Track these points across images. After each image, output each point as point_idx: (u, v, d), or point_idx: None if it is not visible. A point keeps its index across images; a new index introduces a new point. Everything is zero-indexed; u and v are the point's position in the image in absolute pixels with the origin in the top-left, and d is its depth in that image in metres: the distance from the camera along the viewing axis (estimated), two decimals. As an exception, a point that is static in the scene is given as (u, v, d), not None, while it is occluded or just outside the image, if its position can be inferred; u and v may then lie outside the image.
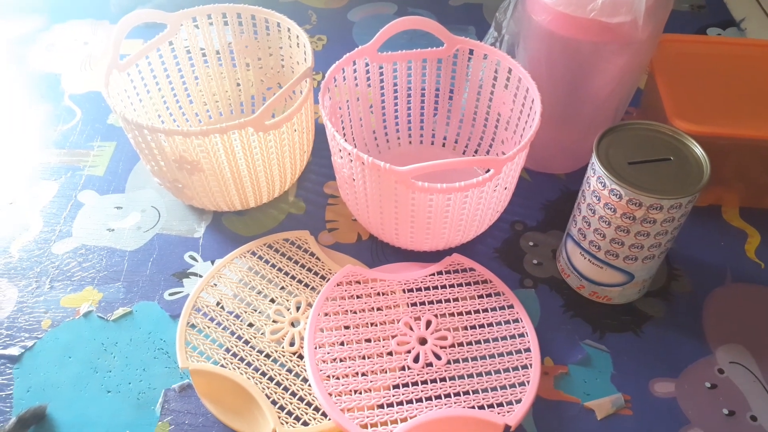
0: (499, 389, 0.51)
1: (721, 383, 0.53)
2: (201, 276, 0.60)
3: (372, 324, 0.54)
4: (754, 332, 0.56)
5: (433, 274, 0.58)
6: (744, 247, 0.63)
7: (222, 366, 0.52)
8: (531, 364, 0.53)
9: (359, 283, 0.57)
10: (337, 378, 0.51)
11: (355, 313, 0.55)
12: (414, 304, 0.56)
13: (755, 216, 0.66)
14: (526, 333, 0.55)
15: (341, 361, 0.52)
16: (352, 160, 0.53)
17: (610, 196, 0.50)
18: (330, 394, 0.50)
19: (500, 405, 0.50)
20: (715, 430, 0.51)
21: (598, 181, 0.50)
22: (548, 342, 0.55)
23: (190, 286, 0.59)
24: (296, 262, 0.59)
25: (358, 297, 0.56)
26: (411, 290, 0.57)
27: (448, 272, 0.59)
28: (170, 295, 0.59)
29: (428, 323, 0.55)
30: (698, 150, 0.51)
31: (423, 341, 0.54)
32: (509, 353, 0.54)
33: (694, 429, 0.51)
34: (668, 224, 0.50)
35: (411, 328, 0.55)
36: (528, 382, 0.52)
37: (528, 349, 0.54)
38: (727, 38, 0.87)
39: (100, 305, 0.58)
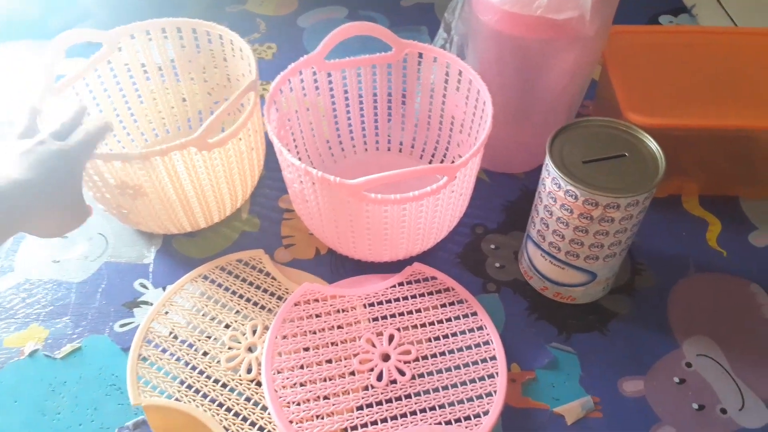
0: (465, 401, 0.50)
1: (689, 377, 0.52)
2: (152, 304, 0.57)
3: (333, 343, 0.53)
4: (720, 323, 0.56)
5: (394, 286, 0.57)
6: (705, 236, 0.63)
7: (177, 399, 0.49)
8: (497, 373, 0.51)
9: (317, 301, 0.55)
10: (298, 404, 0.49)
11: (314, 333, 0.53)
12: (376, 319, 0.55)
13: (715, 204, 0.65)
14: (491, 340, 0.53)
15: (302, 385, 0.50)
16: (301, 175, 0.51)
17: (565, 197, 0.49)
18: (291, 422, 0.48)
19: (467, 418, 0.49)
20: (686, 426, 0.50)
21: (553, 182, 0.49)
22: (514, 347, 0.54)
23: (142, 316, 0.57)
24: (251, 284, 0.57)
25: (317, 316, 0.54)
26: (372, 304, 0.55)
27: (409, 282, 0.57)
28: (121, 326, 0.56)
29: (391, 338, 0.53)
30: (653, 144, 0.50)
31: (386, 357, 0.52)
32: (474, 363, 0.52)
33: (665, 427, 0.50)
34: (627, 222, 0.49)
35: (373, 345, 0.53)
36: (495, 391, 0.50)
37: (493, 357, 0.52)
38: (678, 27, 0.87)
39: (46, 343, 0.55)
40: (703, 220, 0.64)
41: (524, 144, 0.66)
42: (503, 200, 0.66)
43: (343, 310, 0.55)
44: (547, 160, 0.49)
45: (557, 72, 0.58)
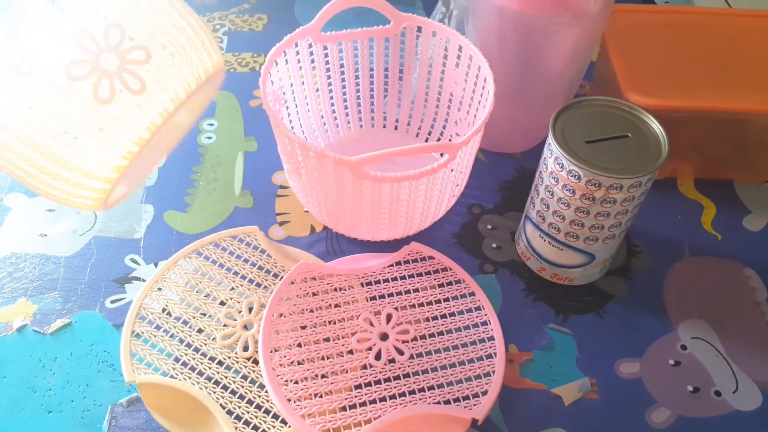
0: (464, 381, 0.50)
1: (684, 360, 0.53)
2: (144, 280, 0.56)
3: (330, 322, 0.52)
4: (714, 306, 0.56)
5: (392, 265, 0.56)
6: (700, 219, 0.63)
7: (171, 377, 0.49)
8: (495, 353, 0.51)
9: (315, 279, 0.54)
10: (296, 382, 0.48)
11: (311, 311, 0.52)
12: (373, 298, 0.54)
13: (710, 187, 0.65)
14: (489, 321, 0.53)
15: (299, 363, 0.49)
16: (298, 150, 0.50)
17: (568, 178, 0.48)
18: (289, 400, 0.47)
19: (466, 398, 0.49)
20: (681, 407, 0.50)
21: (555, 162, 0.49)
22: (511, 328, 0.54)
23: (133, 292, 0.56)
24: (246, 261, 0.56)
25: (314, 294, 0.53)
26: (369, 283, 0.55)
27: (406, 262, 0.57)
28: (112, 302, 0.55)
29: (389, 317, 0.53)
30: (655, 125, 0.50)
31: (384, 336, 0.52)
32: (473, 343, 0.52)
33: (660, 408, 0.50)
34: (628, 203, 0.49)
35: (371, 324, 0.52)
36: (493, 372, 0.50)
37: (491, 338, 0.52)
38: (677, 7, 0.86)
39: (35, 318, 0.54)
40: (698, 204, 0.64)
41: (522, 124, 0.65)
42: (500, 180, 0.65)
43: (341, 289, 0.54)
44: (550, 140, 0.49)
45: (559, 49, 0.57)
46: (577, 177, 0.47)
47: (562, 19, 0.54)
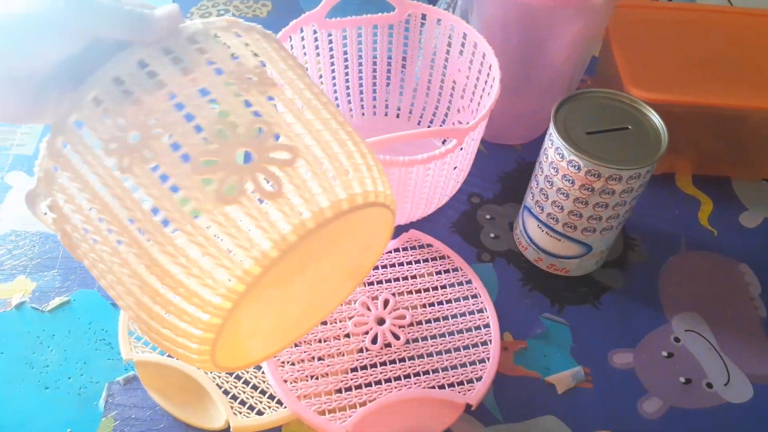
0: (459, 367, 0.50)
1: (677, 352, 0.53)
2: (144, 260, 0.56)
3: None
4: (708, 300, 0.57)
5: (390, 252, 0.57)
6: (697, 215, 0.63)
7: (168, 356, 0.49)
8: (490, 340, 0.52)
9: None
10: (292, 364, 0.49)
11: (309, 294, 0.53)
12: (371, 283, 0.54)
13: (707, 183, 0.66)
14: (485, 308, 0.54)
15: (296, 345, 0.50)
16: None
17: (568, 168, 0.48)
18: (285, 381, 0.48)
19: (461, 384, 0.49)
20: (673, 398, 0.51)
21: (556, 152, 0.49)
22: (507, 317, 0.54)
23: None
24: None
25: (311, 278, 0.54)
26: (367, 269, 0.55)
27: (405, 249, 0.57)
28: (111, 281, 0.55)
29: (386, 302, 0.53)
30: (656, 118, 0.50)
31: (381, 321, 0.52)
32: (468, 330, 0.52)
33: (652, 399, 0.51)
34: (627, 195, 0.49)
35: (368, 308, 0.53)
36: (488, 358, 0.51)
37: (487, 325, 0.53)
38: (681, 4, 0.86)
39: (33, 295, 0.54)
40: (695, 199, 0.65)
41: (523, 115, 0.66)
42: (500, 171, 0.66)
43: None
44: (551, 130, 0.49)
45: (562, 41, 0.57)
46: (576, 167, 0.48)
47: (566, 11, 0.54)
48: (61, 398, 0.49)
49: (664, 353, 0.53)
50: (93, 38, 0.32)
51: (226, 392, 0.47)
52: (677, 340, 0.54)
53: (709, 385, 0.52)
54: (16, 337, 0.52)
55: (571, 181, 0.49)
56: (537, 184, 0.53)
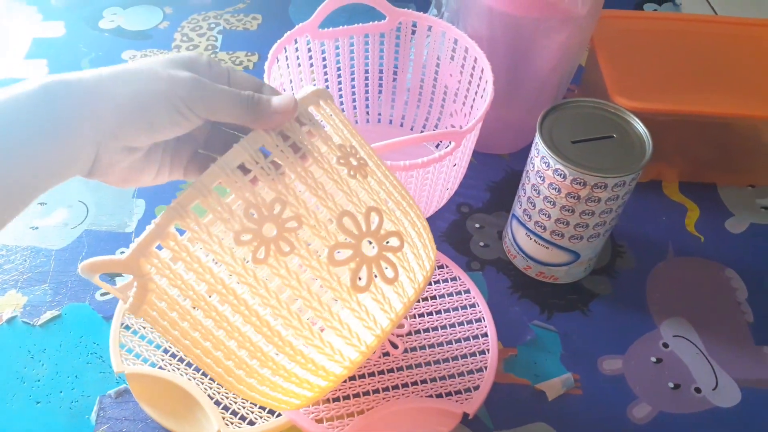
0: (456, 376, 0.50)
1: (666, 357, 0.54)
2: (135, 273, 0.57)
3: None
4: (696, 305, 0.57)
5: (383, 261, 0.57)
6: (684, 221, 0.64)
7: (160, 368, 0.49)
8: (488, 350, 0.52)
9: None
10: (284, 374, 0.49)
11: (300, 305, 0.53)
12: (363, 293, 0.55)
13: (694, 190, 0.66)
14: (483, 318, 0.54)
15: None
16: None
17: (554, 176, 0.49)
18: (277, 392, 0.48)
19: (458, 392, 0.49)
20: (662, 403, 0.51)
21: (542, 161, 0.50)
22: (497, 324, 0.55)
23: (124, 285, 0.56)
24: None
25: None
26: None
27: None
28: (102, 295, 0.55)
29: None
30: (640, 127, 0.51)
31: (376, 330, 0.53)
32: (466, 339, 0.53)
33: (642, 404, 0.51)
34: (612, 202, 0.50)
35: (359, 318, 0.53)
36: (485, 367, 0.51)
37: (485, 334, 0.53)
38: (665, 14, 0.88)
39: (24, 310, 0.54)
40: (682, 206, 0.65)
41: (511, 125, 0.66)
42: (488, 180, 0.66)
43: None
44: (537, 139, 0.50)
45: (547, 52, 0.58)
46: (562, 176, 0.48)
47: (551, 22, 0.55)
48: (52, 412, 0.49)
49: (653, 359, 0.54)
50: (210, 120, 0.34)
51: (217, 403, 0.48)
52: (666, 345, 0.55)
53: (698, 390, 0.52)
54: (8, 352, 0.52)
55: (557, 190, 0.49)
56: (524, 193, 0.54)
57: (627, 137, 0.51)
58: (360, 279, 0.35)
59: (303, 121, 0.36)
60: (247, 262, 0.34)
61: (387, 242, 0.36)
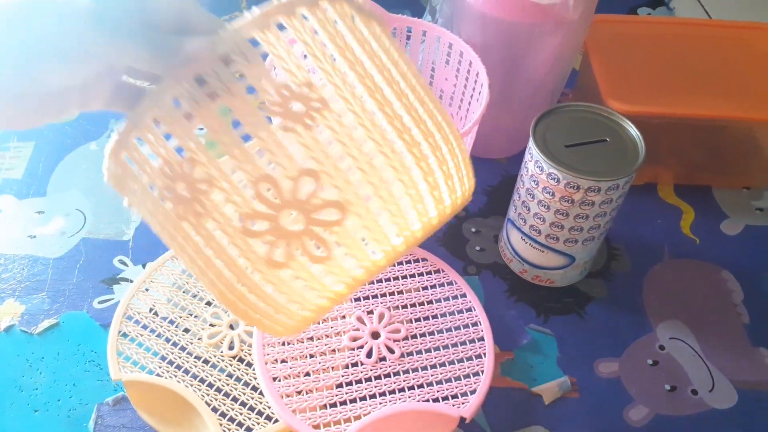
0: (453, 380, 0.50)
1: (662, 359, 0.54)
2: (132, 281, 0.57)
3: (323, 320, 0.53)
4: (692, 307, 0.58)
5: (384, 266, 0.57)
6: (679, 223, 0.64)
7: (158, 375, 0.49)
8: (485, 353, 0.52)
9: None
10: (287, 378, 0.49)
11: (297, 311, 0.53)
12: (367, 297, 0.55)
13: (689, 192, 0.67)
14: (479, 322, 0.54)
15: (291, 360, 0.50)
16: None
17: (548, 180, 0.49)
18: (281, 396, 0.48)
19: (455, 397, 0.49)
20: (658, 406, 0.51)
21: (535, 165, 0.50)
22: (493, 328, 0.54)
23: (121, 293, 0.56)
24: (233, 262, 0.57)
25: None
26: (361, 283, 0.56)
27: (400, 263, 0.57)
28: (100, 303, 0.56)
29: (381, 316, 0.54)
30: (633, 130, 0.51)
31: (376, 335, 0.53)
32: (463, 343, 0.53)
33: (638, 406, 0.51)
34: (606, 206, 0.50)
35: (363, 322, 0.53)
36: (482, 371, 0.51)
37: (481, 338, 0.53)
38: (658, 18, 0.88)
39: (22, 318, 0.54)
40: (677, 208, 0.66)
41: (506, 129, 0.67)
42: (484, 185, 0.67)
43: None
44: (531, 144, 0.50)
45: (540, 56, 0.58)
46: (556, 180, 0.49)
47: (543, 27, 0.55)
48: (50, 421, 0.49)
49: (649, 361, 0.54)
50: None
51: (215, 410, 0.48)
52: (662, 348, 0.55)
53: (694, 392, 0.52)
54: (6, 361, 0.52)
55: (551, 194, 0.50)
56: (519, 197, 0.54)
57: (620, 141, 0.51)
58: (277, 254, 0.31)
59: (233, 58, 0.29)
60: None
61: (320, 217, 0.31)
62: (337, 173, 0.30)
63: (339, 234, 0.31)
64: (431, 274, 0.57)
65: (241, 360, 0.51)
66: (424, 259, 0.58)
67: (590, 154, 0.49)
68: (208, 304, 0.54)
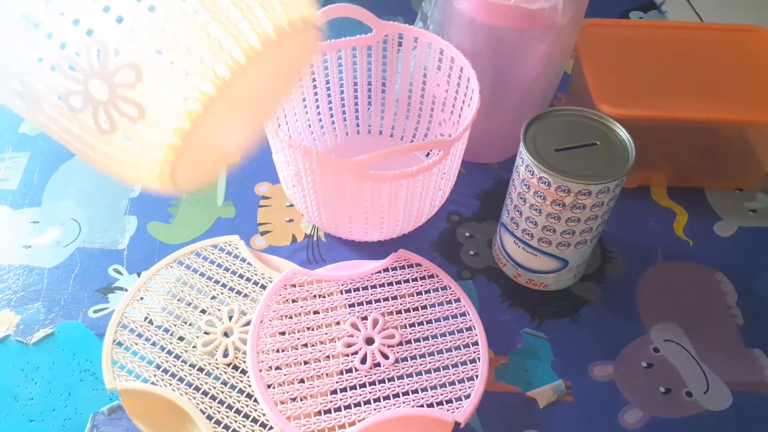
0: (447, 386, 0.51)
1: (656, 362, 0.54)
2: (127, 290, 0.57)
3: (317, 327, 0.53)
4: (686, 309, 0.58)
5: (380, 272, 0.57)
6: (673, 225, 0.64)
7: (152, 383, 0.49)
8: (479, 358, 0.52)
9: (303, 285, 0.55)
10: (281, 385, 0.49)
11: (299, 316, 0.53)
12: (361, 303, 0.55)
13: (682, 195, 0.67)
14: (474, 326, 0.54)
15: (285, 367, 0.50)
16: (297, 156, 0.51)
17: (539, 184, 0.50)
18: (275, 403, 0.48)
19: (449, 402, 0.50)
20: (654, 408, 0.51)
21: (526, 169, 0.50)
22: (488, 333, 0.55)
23: (116, 302, 0.56)
24: (227, 269, 0.57)
25: (303, 299, 0.54)
26: (358, 289, 0.56)
27: (394, 269, 0.58)
28: (95, 312, 0.56)
29: (375, 322, 0.54)
30: (623, 133, 0.51)
31: (370, 341, 0.53)
32: (457, 348, 0.53)
33: (633, 409, 0.51)
34: (598, 209, 0.50)
35: (357, 328, 0.53)
36: (476, 376, 0.51)
37: (476, 343, 0.53)
38: (649, 21, 0.89)
39: (18, 328, 0.54)
40: (670, 211, 0.66)
41: (497, 134, 0.67)
42: (477, 189, 0.67)
43: (329, 295, 0.55)
44: (521, 148, 0.50)
45: (530, 61, 0.59)
46: (547, 184, 0.49)
47: (532, 32, 0.56)
48: (46, 431, 0.49)
49: (644, 364, 0.54)
50: None
51: (210, 417, 0.48)
52: (656, 350, 0.55)
53: (689, 394, 0.52)
54: (1, 371, 0.52)
55: (542, 198, 0.50)
56: (511, 201, 0.54)
57: (611, 144, 0.51)
58: (103, 124, 0.33)
59: None
60: None
61: (118, 81, 0.32)
62: (125, 38, 0.32)
63: (142, 91, 0.32)
64: (425, 279, 0.57)
65: (235, 368, 0.51)
66: (418, 264, 0.58)
67: (581, 158, 0.50)
68: (203, 312, 0.54)
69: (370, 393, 0.50)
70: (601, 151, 0.50)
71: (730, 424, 0.51)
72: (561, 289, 0.58)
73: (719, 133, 0.66)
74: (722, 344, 0.55)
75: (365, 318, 0.54)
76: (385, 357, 0.52)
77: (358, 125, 0.70)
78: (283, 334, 0.52)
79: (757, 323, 0.57)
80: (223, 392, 0.49)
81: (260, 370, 0.49)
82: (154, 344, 0.52)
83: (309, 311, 0.54)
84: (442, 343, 0.53)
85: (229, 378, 0.50)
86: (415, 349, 0.53)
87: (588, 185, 0.48)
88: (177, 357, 0.51)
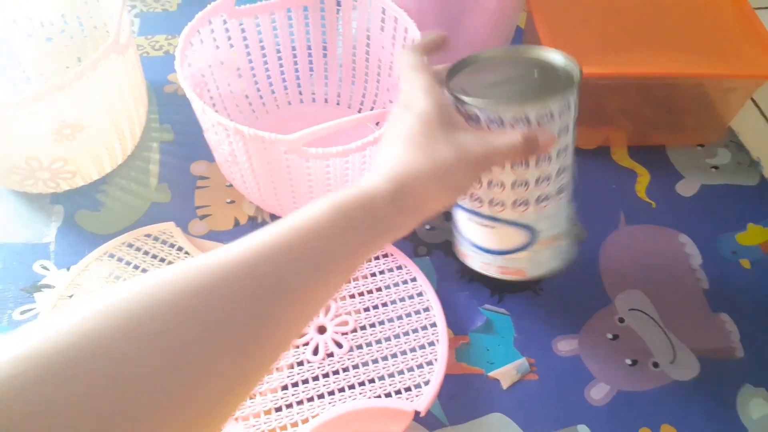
0: (406, 372, 0.48)
1: (622, 333, 0.52)
2: (55, 287, 0.52)
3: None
4: (650, 276, 0.56)
5: (325, 255, 0.53)
6: (635, 187, 0.62)
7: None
8: (438, 340, 0.49)
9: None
10: (220, 387, 0.45)
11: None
12: (305, 290, 0.51)
13: (643, 154, 0.64)
14: (431, 307, 0.51)
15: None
16: (229, 135, 0.46)
17: (468, 124, 0.40)
18: (213, 407, 0.44)
19: (408, 389, 0.47)
20: (620, 381, 0.49)
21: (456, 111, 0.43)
22: (447, 312, 0.52)
23: (45, 301, 0.52)
24: (162, 260, 0.52)
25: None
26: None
27: (343, 250, 0.54)
28: (22, 313, 0.51)
29: (327, 308, 0.50)
30: (561, 57, 0.42)
31: (322, 330, 0.50)
32: (415, 330, 0.50)
33: (599, 384, 0.49)
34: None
35: (303, 318, 0.50)
36: (435, 360, 0.48)
37: (434, 324, 0.50)
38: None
39: None
40: (632, 171, 0.63)
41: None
42: (432, 158, 0.63)
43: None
44: (444, 92, 0.41)
45: (479, 19, 0.55)
46: (476, 119, 0.40)
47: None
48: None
49: (609, 335, 0.52)
50: None
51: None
52: (621, 320, 0.53)
53: (656, 365, 0.50)
54: None
55: None
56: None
57: (552, 70, 0.42)
58: None
59: None
60: None
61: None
62: None
63: None
64: (379, 258, 0.54)
65: (175, 368, 0.47)
66: (370, 244, 0.54)
67: (517, 89, 0.42)
68: (138, 308, 0.50)
69: (323, 386, 0.47)
70: (540, 78, 0.42)
71: (698, 392, 0.49)
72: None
73: (678, 89, 0.63)
74: (688, 310, 0.54)
75: (316, 305, 0.50)
76: (339, 346, 0.49)
77: (300, 93, 0.65)
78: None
79: (722, 287, 0.55)
80: (163, 396, 0.45)
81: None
82: (85, 348, 0.47)
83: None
84: (399, 327, 0.50)
85: (169, 380, 0.46)
86: (371, 334, 0.50)
87: (523, 108, 0.39)
88: (111, 360, 0.47)
